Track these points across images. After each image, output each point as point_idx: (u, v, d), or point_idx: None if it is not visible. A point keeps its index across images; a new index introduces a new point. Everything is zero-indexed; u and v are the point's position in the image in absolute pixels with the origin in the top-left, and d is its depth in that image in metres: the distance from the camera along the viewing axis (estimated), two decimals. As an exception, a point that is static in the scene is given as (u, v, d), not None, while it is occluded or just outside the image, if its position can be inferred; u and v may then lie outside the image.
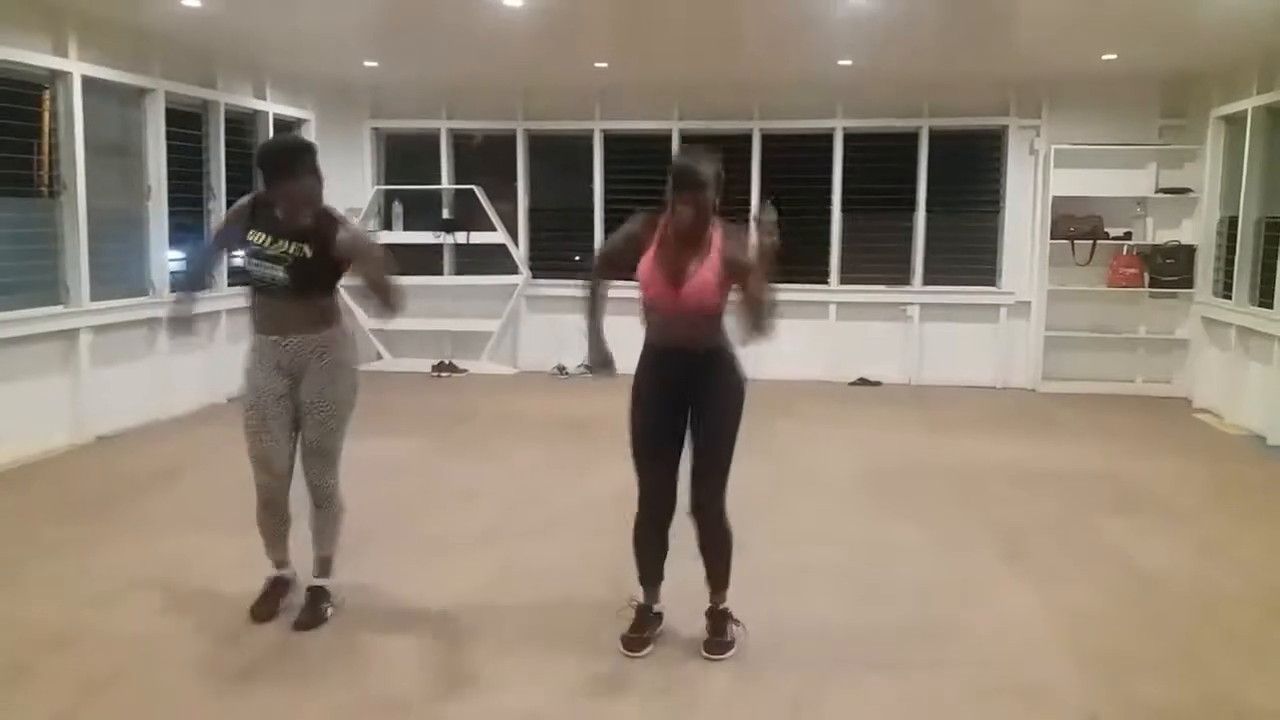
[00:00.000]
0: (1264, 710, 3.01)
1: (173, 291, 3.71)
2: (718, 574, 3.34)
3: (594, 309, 3.41)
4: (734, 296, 3.14)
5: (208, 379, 7.14)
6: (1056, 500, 5.16)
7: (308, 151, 3.45)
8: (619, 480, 5.19)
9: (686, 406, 3.23)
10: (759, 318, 3.07)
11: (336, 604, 3.56)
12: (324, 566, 3.58)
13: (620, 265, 3.30)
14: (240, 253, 3.48)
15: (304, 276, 3.34)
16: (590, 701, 3.02)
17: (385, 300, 3.38)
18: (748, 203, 8.69)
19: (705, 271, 3.10)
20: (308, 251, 3.32)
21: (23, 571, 3.98)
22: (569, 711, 2.97)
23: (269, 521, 3.51)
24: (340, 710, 2.93)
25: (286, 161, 3.34)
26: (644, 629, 3.36)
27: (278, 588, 3.56)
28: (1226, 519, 4.92)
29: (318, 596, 3.53)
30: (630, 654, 3.28)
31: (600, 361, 3.41)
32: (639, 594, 3.43)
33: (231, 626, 3.44)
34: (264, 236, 3.36)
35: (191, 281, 3.92)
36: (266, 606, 3.50)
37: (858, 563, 4.20)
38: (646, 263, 3.17)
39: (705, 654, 3.28)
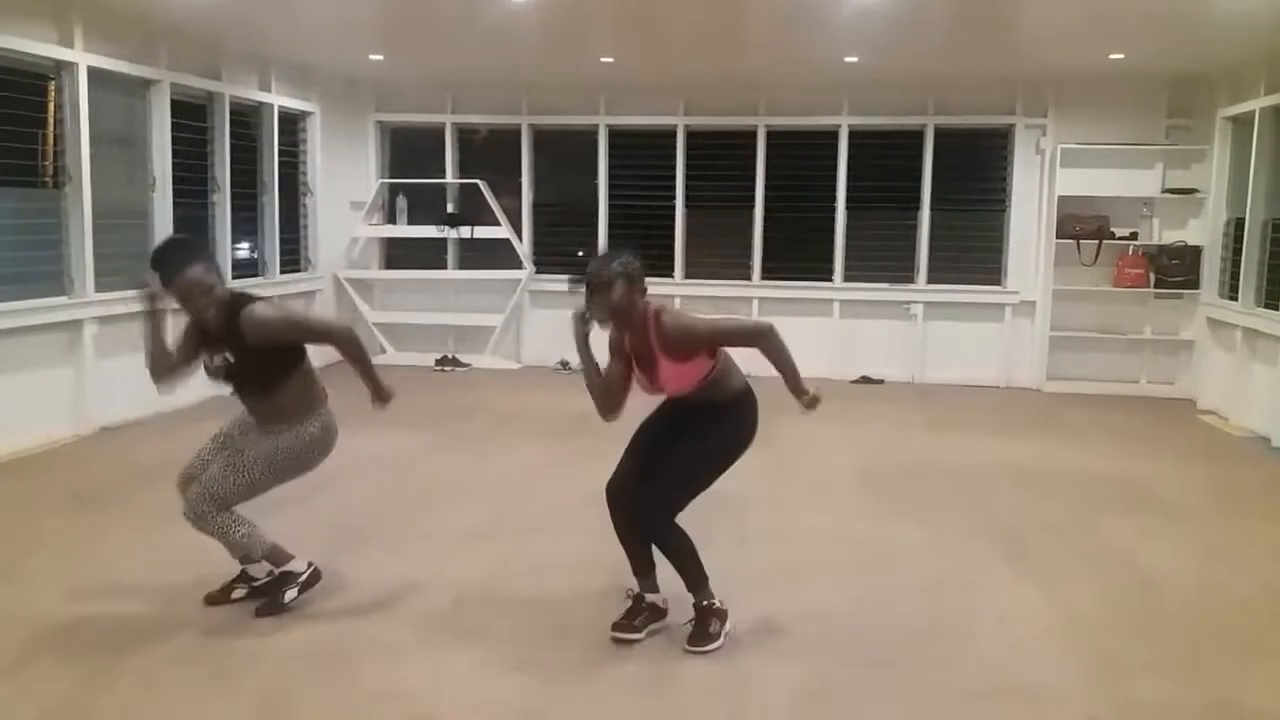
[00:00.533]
0: (1265, 713, 3.00)
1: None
2: (686, 578, 3.36)
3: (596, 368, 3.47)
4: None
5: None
6: (1059, 500, 5.16)
7: (182, 245, 3.61)
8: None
9: (686, 424, 3.35)
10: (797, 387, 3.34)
11: (305, 583, 3.54)
12: (271, 559, 3.53)
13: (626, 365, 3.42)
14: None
15: (243, 379, 3.39)
16: (587, 695, 3.02)
17: (347, 353, 3.45)
18: (751, 200, 8.70)
19: (664, 368, 3.26)
20: (230, 356, 3.34)
21: (25, 562, 3.99)
22: (567, 705, 2.96)
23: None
24: (340, 704, 2.94)
25: (171, 259, 3.33)
26: (636, 615, 3.38)
27: (236, 581, 3.61)
28: (1230, 521, 4.91)
29: (278, 581, 3.53)
30: (617, 636, 3.32)
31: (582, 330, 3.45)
32: (635, 585, 3.45)
33: (233, 619, 3.45)
34: (206, 354, 3.41)
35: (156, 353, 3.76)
36: (218, 595, 3.57)
37: (859, 561, 4.19)
38: (636, 374, 3.37)
39: (686, 646, 3.29)
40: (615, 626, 3.35)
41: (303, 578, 3.54)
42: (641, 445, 3.42)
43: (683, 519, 3.32)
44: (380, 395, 3.50)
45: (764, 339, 3.29)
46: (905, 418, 7.24)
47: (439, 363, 8.96)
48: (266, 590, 3.53)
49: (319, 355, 3.55)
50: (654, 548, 3.38)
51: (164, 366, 3.47)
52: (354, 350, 3.48)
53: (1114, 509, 5.01)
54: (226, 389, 3.46)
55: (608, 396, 3.38)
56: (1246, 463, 6.17)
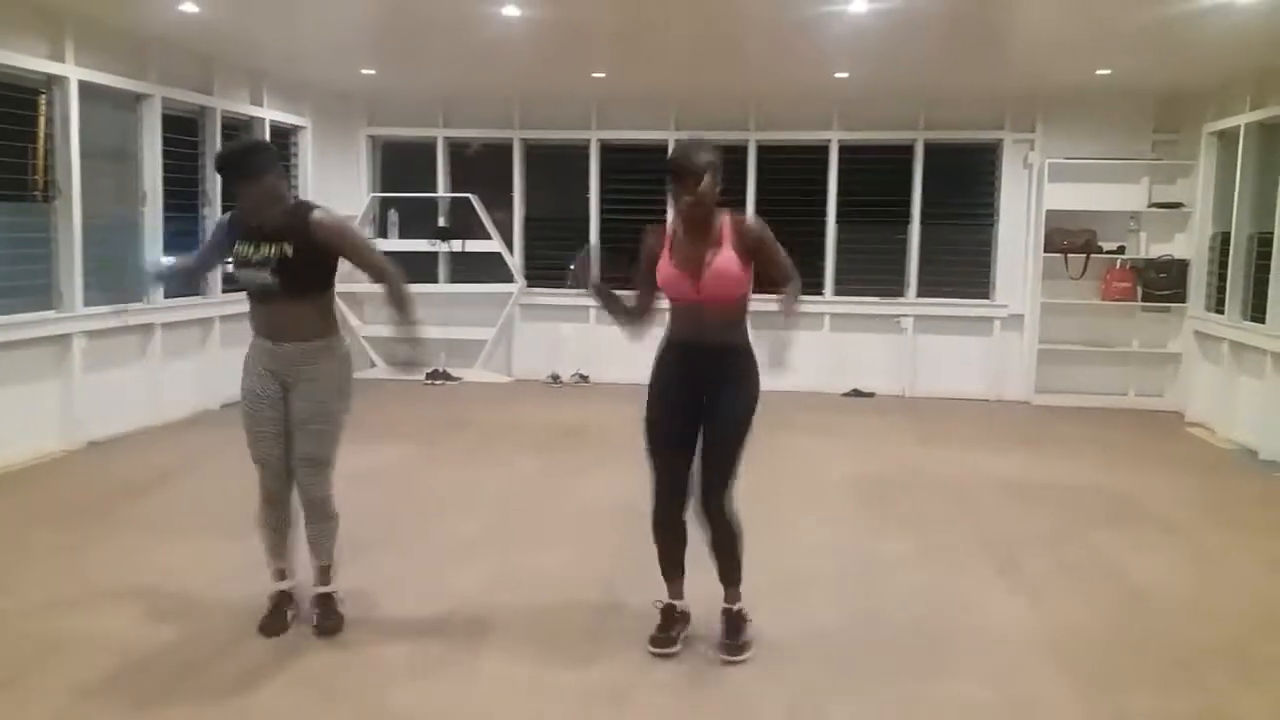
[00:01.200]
0: (1256, 725, 3.01)
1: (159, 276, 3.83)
2: (728, 570, 3.37)
3: (624, 304, 3.45)
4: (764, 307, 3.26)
5: (201, 384, 7.12)
6: (1049, 513, 5.17)
7: (264, 149, 3.50)
8: (614, 488, 5.22)
9: (701, 402, 3.27)
10: (790, 305, 3.24)
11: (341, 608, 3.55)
12: (325, 575, 3.55)
13: (650, 284, 3.36)
14: (230, 266, 3.50)
15: (292, 277, 3.33)
16: (585, 708, 3.01)
17: (391, 287, 3.46)
18: (741, 213, 8.71)
19: (721, 260, 3.19)
20: (289, 250, 3.32)
21: (14, 577, 3.96)
22: (564, 718, 2.97)
23: (270, 520, 3.49)
24: None
25: (243, 162, 3.34)
26: (671, 627, 3.38)
27: (283, 602, 3.52)
28: (1218, 533, 4.93)
29: (328, 601, 3.51)
30: (659, 651, 3.30)
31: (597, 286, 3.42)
32: (662, 594, 3.44)
33: (224, 634, 3.43)
34: (248, 246, 3.36)
35: (178, 276, 3.87)
36: (276, 622, 3.46)
37: (851, 574, 4.20)
38: (663, 265, 3.26)
39: (723, 656, 3.29)
40: (655, 641, 3.33)
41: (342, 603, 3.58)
42: (677, 453, 3.31)
43: (697, 538, 3.32)
44: (409, 327, 3.53)
45: (798, 279, 3.34)
46: (896, 431, 7.26)
47: (430, 376, 8.95)
48: (321, 611, 3.51)
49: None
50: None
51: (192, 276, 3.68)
52: (398, 287, 3.50)
53: (1103, 521, 5.03)
54: (263, 283, 3.34)
55: (639, 323, 3.41)
56: (1234, 475, 6.20)
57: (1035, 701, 3.10)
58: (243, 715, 2.92)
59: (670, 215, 3.33)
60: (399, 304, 3.50)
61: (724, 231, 3.23)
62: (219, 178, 3.38)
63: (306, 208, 3.42)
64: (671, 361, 3.33)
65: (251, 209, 3.35)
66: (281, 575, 3.55)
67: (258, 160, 3.35)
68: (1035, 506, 5.30)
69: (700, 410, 3.28)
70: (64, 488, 5.33)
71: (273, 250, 3.32)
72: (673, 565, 3.42)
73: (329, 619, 3.47)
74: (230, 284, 7.62)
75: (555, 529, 4.78)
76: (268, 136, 7.87)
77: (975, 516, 5.09)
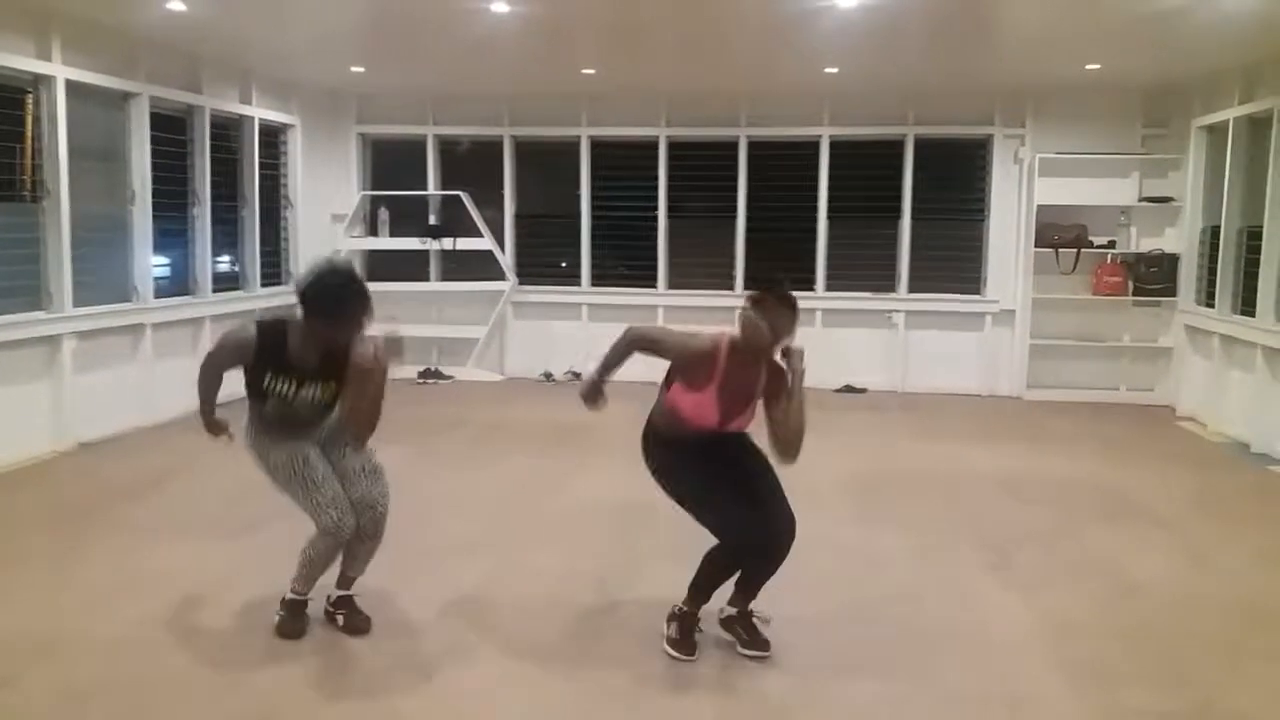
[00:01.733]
0: (1250, 717, 3.02)
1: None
2: (756, 584, 3.38)
3: (613, 363, 3.41)
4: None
5: (192, 386, 7.05)
6: (1042, 508, 5.18)
7: (367, 295, 3.15)
8: (606, 487, 5.22)
9: (725, 462, 3.30)
10: (796, 441, 3.22)
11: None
12: (352, 583, 3.56)
13: (663, 356, 3.31)
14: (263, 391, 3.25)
15: (325, 408, 3.28)
16: (581, 705, 3.01)
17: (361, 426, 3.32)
18: (733, 210, 8.73)
19: (753, 407, 3.23)
20: (328, 394, 3.22)
21: (5, 579, 3.94)
22: (559, 716, 2.96)
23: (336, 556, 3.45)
24: (326, 720, 2.91)
25: (352, 304, 3.06)
26: (693, 633, 3.38)
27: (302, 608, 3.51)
28: (1211, 526, 4.95)
29: (355, 602, 3.52)
30: (676, 655, 3.29)
31: (592, 394, 3.41)
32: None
33: (216, 636, 3.42)
34: (287, 384, 3.17)
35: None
36: (298, 625, 3.44)
37: (844, 570, 4.20)
38: (702, 396, 3.19)
39: (757, 653, 3.30)
40: (683, 648, 3.31)
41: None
42: (733, 492, 3.29)
43: (691, 536, 3.31)
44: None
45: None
46: (888, 426, 7.27)
47: (422, 375, 8.93)
48: (349, 610, 3.50)
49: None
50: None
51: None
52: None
53: (1096, 516, 5.04)
54: (297, 416, 3.24)
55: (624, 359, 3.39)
56: (1226, 468, 6.22)
57: (1029, 697, 3.11)
58: (231, 716, 2.91)
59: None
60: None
61: (771, 368, 3.22)
62: (314, 304, 3.07)
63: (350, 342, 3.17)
64: (690, 447, 3.28)
65: (321, 346, 3.12)
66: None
67: (364, 306, 3.07)
68: (1028, 501, 5.31)
69: (729, 466, 3.30)
70: (54, 490, 5.31)
71: (320, 392, 3.21)
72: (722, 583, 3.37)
73: (357, 616, 3.48)
74: (219, 284, 7.61)
75: (550, 527, 4.78)
76: (256, 135, 7.84)
77: (968, 512, 5.10)
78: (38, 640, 3.37)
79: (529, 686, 3.13)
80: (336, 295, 3.10)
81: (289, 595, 3.44)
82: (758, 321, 3.11)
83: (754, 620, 3.38)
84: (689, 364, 3.23)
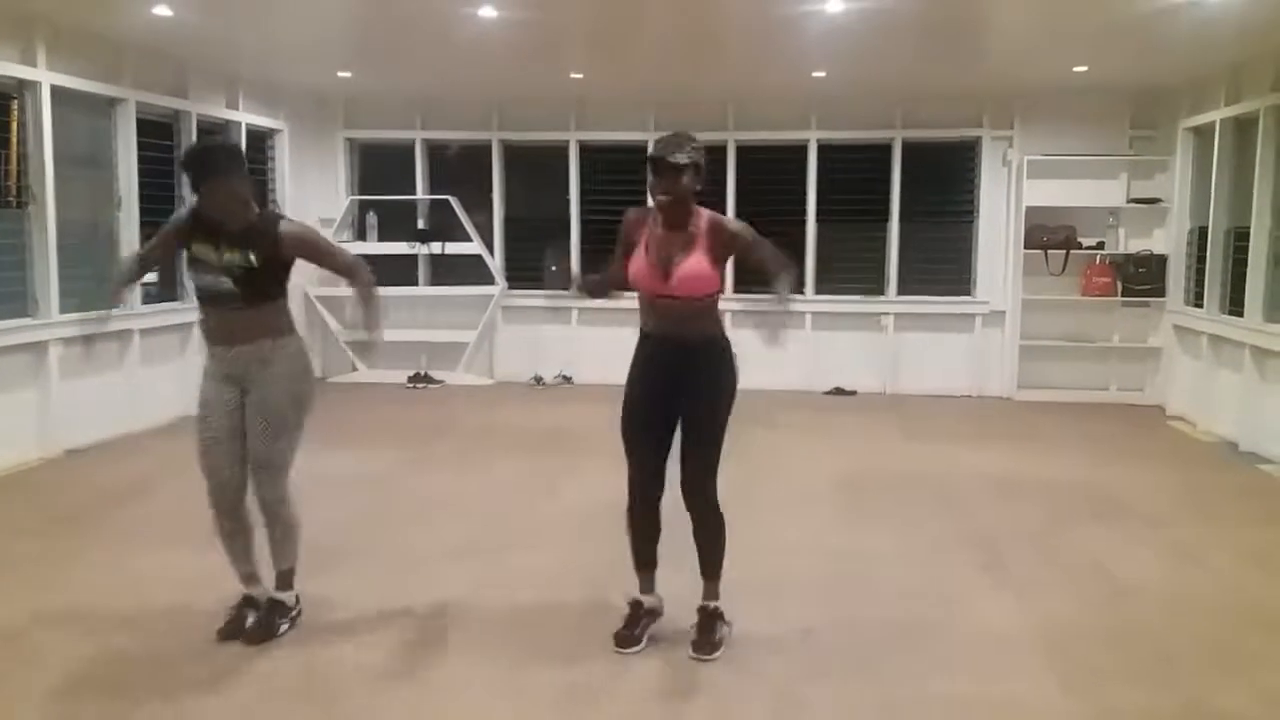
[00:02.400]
0: (1239, 717, 3.02)
1: (96, 308, 3.71)
2: (710, 563, 3.36)
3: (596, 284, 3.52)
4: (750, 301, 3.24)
5: (179, 391, 7.02)
6: (1032, 508, 5.19)
7: (230, 150, 3.50)
8: (597, 490, 5.20)
9: (678, 393, 3.26)
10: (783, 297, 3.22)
11: (295, 618, 3.51)
12: (282, 580, 3.52)
13: (623, 257, 3.35)
14: (185, 268, 3.48)
15: (251, 285, 3.30)
16: (567, 708, 2.99)
17: (359, 282, 3.45)
18: (721, 213, 8.71)
19: (692, 263, 3.18)
20: (254, 259, 3.28)
21: (-11, 588, 3.91)
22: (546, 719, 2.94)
23: (224, 531, 3.45)
24: (314, 727, 2.89)
25: (209, 160, 3.30)
26: (635, 624, 3.37)
27: (245, 606, 3.48)
28: (1200, 526, 4.96)
29: (272, 610, 3.47)
30: (621, 650, 3.30)
31: (585, 284, 3.52)
32: (634, 590, 3.44)
33: (199, 643, 3.38)
34: (207, 247, 3.31)
35: (116, 293, 3.73)
36: (232, 627, 3.42)
37: (835, 572, 4.19)
38: (638, 259, 3.25)
39: (693, 654, 3.28)
40: (619, 639, 3.33)
41: (293, 613, 3.52)
42: (652, 440, 3.31)
43: (682, 538, 3.30)
44: (373, 328, 3.53)
45: (790, 270, 3.32)
46: (879, 428, 7.27)
47: (411, 379, 8.90)
48: (259, 617, 3.46)
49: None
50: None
51: (129, 279, 3.66)
52: (370, 290, 3.49)
53: (1087, 516, 5.05)
54: (220, 288, 3.29)
55: (606, 291, 3.48)
56: (1215, 468, 6.24)
57: (1020, 697, 3.11)
58: (223, 725, 2.89)
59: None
60: (366, 299, 3.51)
61: (700, 231, 3.22)
62: (185, 176, 3.41)
63: (274, 218, 3.39)
64: (647, 353, 3.33)
65: (215, 209, 3.29)
66: (246, 581, 3.51)
67: (223, 159, 3.32)
68: (1018, 502, 5.31)
69: (677, 400, 3.27)
70: (39, 496, 5.27)
71: (236, 256, 3.28)
72: (644, 557, 3.42)
73: (259, 629, 3.41)
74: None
75: (539, 531, 4.76)
76: (244, 140, 7.82)
77: (959, 513, 5.10)
78: (18, 645, 3.34)
79: (516, 688, 3.11)
80: (198, 156, 3.42)
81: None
82: (650, 181, 3.24)
83: (711, 615, 3.36)
84: (629, 232, 3.33)
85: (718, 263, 3.22)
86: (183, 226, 3.41)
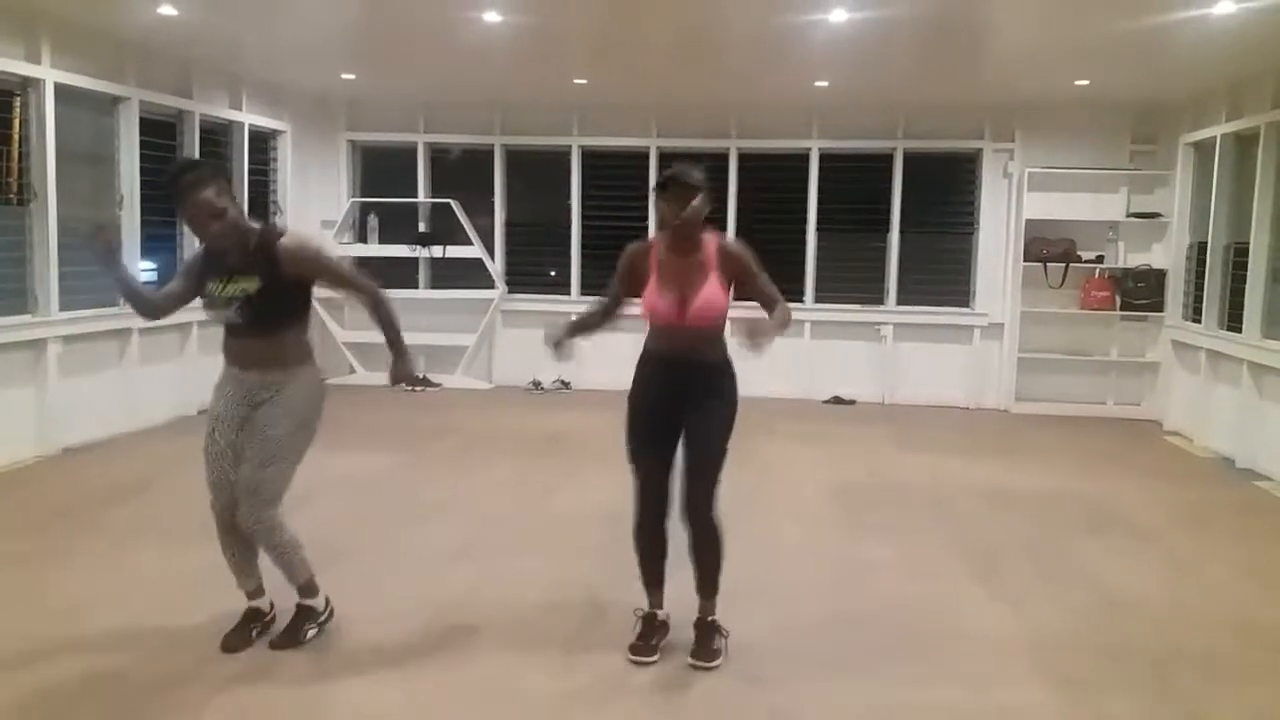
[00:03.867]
0: (1233, 731, 3.03)
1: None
2: (708, 579, 3.36)
3: (588, 318, 3.49)
4: (736, 314, 3.27)
5: (178, 391, 7.06)
6: (1028, 520, 5.19)
7: (200, 164, 3.40)
8: (595, 494, 5.20)
9: (685, 413, 3.29)
10: (772, 331, 3.20)
11: (324, 623, 3.49)
12: (304, 593, 3.47)
13: (624, 281, 3.40)
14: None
15: (258, 314, 3.24)
16: (565, 714, 2.99)
17: (381, 312, 3.42)
18: (723, 221, 8.73)
19: (708, 291, 3.23)
20: (252, 288, 3.21)
21: (-16, 585, 3.91)
22: (540, 730, 2.94)
23: (227, 548, 3.40)
24: (308, 728, 2.89)
25: (180, 183, 3.16)
26: (651, 636, 3.38)
27: (250, 620, 3.45)
28: (1196, 540, 4.96)
29: (301, 616, 3.45)
30: (639, 660, 3.30)
31: (557, 342, 3.47)
32: (643, 602, 3.45)
33: (196, 644, 3.38)
34: (217, 283, 3.26)
35: (134, 294, 3.51)
36: (237, 637, 3.38)
37: (831, 581, 4.20)
38: (650, 291, 3.28)
39: (692, 661, 3.29)
40: (635, 649, 3.34)
41: (322, 618, 3.49)
42: (660, 460, 3.33)
43: (678, 543, 3.30)
44: (403, 365, 3.51)
45: (784, 306, 3.33)
46: (876, 438, 7.28)
47: (410, 383, 8.89)
48: (288, 623, 3.44)
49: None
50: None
51: (147, 303, 3.45)
52: (385, 309, 3.43)
53: (1083, 529, 5.05)
54: (230, 320, 3.26)
55: (604, 324, 3.48)
56: (1212, 483, 6.24)
57: (1014, 708, 3.11)
58: (217, 724, 2.89)
59: (652, 227, 3.34)
60: (390, 332, 3.48)
61: (710, 255, 3.27)
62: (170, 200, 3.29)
63: (272, 235, 3.27)
64: (652, 373, 3.35)
65: (202, 231, 3.20)
66: (249, 595, 3.47)
67: (188, 176, 3.16)
68: (1014, 514, 5.31)
69: (681, 420, 3.30)
70: (36, 495, 5.26)
71: (237, 289, 3.22)
72: (653, 574, 3.44)
73: (286, 636, 3.39)
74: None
75: (537, 535, 4.76)
76: (246, 141, 7.84)
77: (955, 524, 5.11)
78: (12, 645, 3.33)
79: (514, 693, 3.11)
80: (165, 186, 3.31)
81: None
82: (660, 205, 3.27)
83: (709, 626, 3.36)
84: (634, 265, 3.35)
85: (727, 288, 3.29)
86: (199, 259, 3.36)
